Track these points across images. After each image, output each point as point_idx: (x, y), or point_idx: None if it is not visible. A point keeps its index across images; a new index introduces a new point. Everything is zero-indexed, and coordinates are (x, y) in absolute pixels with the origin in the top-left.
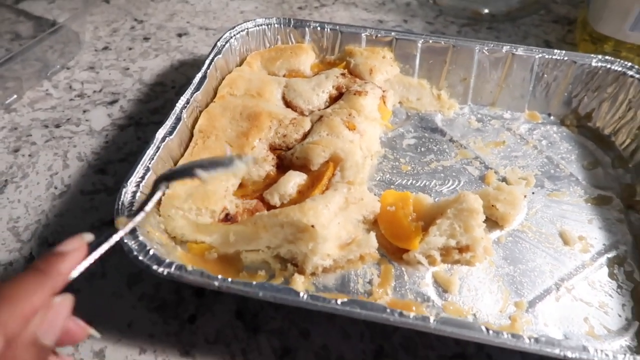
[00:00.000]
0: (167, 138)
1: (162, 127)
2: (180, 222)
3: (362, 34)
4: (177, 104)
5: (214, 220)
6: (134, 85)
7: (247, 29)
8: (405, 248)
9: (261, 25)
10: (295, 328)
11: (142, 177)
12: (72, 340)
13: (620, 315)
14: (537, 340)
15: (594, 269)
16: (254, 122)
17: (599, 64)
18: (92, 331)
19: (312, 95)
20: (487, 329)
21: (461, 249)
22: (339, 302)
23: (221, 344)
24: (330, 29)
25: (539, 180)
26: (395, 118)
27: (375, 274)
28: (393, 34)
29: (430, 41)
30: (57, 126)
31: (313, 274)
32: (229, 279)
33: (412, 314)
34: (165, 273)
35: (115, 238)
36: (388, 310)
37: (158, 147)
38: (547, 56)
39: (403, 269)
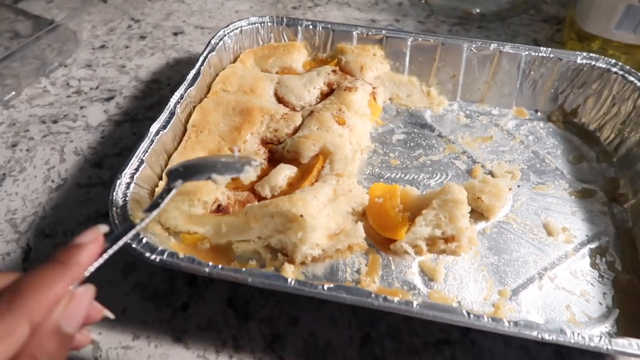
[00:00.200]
0: (161, 132)
1: (156, 122)
2: (173, 213)
3: (354, 32)
4: (171, 100)
5: (206, 212)
6: (130, 82)
7: (241, 27)
8: (392, 238)
9: (255, 23)
10: (284, 316)
11: (136, 169)
12: (88, 322)
13: (601, 303)
14: (516, 323)
15: (577, 259)
16: (246, 117)
17: (584, 61)
18: (107, 312)
19: (304, 92)
20: (469, 313)
21: (447, 239)
22: (325, 287)
23: (213, 330)
24: (322, 28)
25: (524, 174)
26: (385, 114)
27: (363, 263)
28: (384, 32)
29: (420, 39)
30: (55, 122)
31: (303, 263)
32: (220, 266)
33: (396, 299)
34: (157, 260)
35: (133, 232)
36: (373, 295)
37: (152, 141)
38: (533, 53)
39: (390, 258)
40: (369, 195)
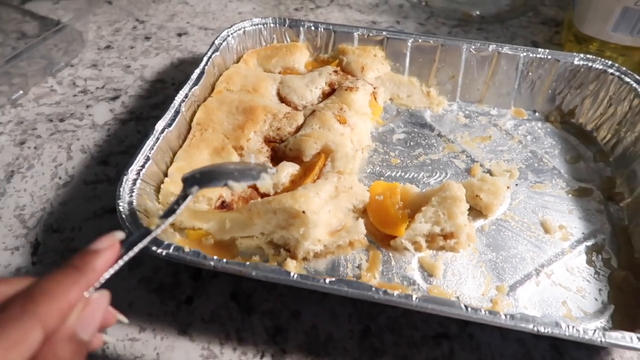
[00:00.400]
0: (167, 130)
1: (162, 120)
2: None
3: (355, 34)
4: (176, 98)
5: (211, 208)
6: (135, 82)
7: (244, 28)
8: (393, 235)
9: (258, 24)
10: (286, 309)
11: (143, 166)
12: (102, 327)
13: (596, 299)
14: (512, 316)
15: (573, 256)
16: (249, 116)
17: (581, 62)
18: (121, 317)
19: (306, 91)
20: (466, 306)
21: (445, 236)
22: (327, 281)
23: (216, 323)
24: (324, 29)
25: (522, 173)
26: (386, 114)
27: (364, 259)
28: (384, 33)
29: (420, 40)
30: (62, 120)
31: (305, 258)
32: (224, 260)
33: (395, 292)
34: (164, 254)
35: (149, 238)
36: (373, 288)
37: (157, 138)
38: (531, 55)
39: (390, 254)
40: (370, 192)
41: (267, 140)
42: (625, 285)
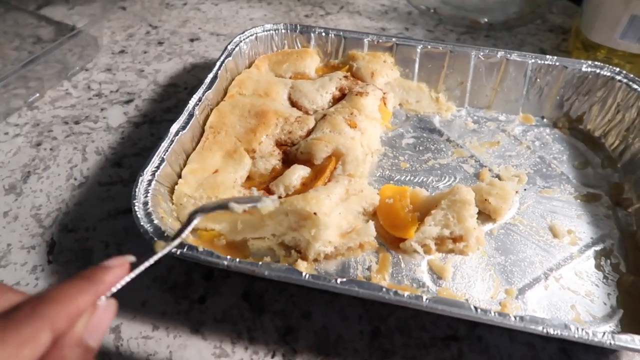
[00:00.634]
0: (181, 132)
1: (176, 122)
2: (191, 210)
3: (365, 40)
4: (190, 102)
5: None
6: (149, 86)
7: (256, 33)
8: (402, 237)
9: (269, 30)
10: (297, 310)
11: (157, 167)
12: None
13: (605, 304)
14: (522, 318)
15: (582, 261)
16: (261, 120)
17: (589, 69)
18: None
19: (317, 96)
20: (476, 308)
21: (455, 239)
22: (338, 281)
23: (228, 322)
24: (334, 35)
25: (531, 178)
26: (395, 119)
27: (374, 261)
28: (394, 39)
29: (429, 47)
30: (77, 123)
31: (315, 260)
32: (237, 259)
33: (406, 293)
34: (178, 253)
35: (154, 259)
36: (384, 289)
37: (172, 141)
38: (539, 61)
39: (400, 257)
40: (380, 195)
41: (279, 144)
42: (633, 290)
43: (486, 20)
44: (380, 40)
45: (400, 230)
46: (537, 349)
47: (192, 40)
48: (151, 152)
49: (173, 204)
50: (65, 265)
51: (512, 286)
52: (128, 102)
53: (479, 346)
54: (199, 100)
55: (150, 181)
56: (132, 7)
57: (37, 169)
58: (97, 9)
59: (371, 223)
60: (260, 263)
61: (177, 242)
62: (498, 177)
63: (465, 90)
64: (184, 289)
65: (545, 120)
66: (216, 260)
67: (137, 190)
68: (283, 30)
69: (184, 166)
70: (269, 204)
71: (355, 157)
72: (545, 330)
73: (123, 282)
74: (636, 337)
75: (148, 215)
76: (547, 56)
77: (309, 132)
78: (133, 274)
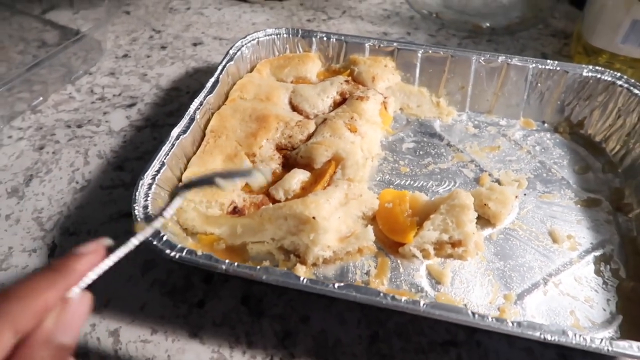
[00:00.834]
0: (182, 136)
1: (177, 127)
2: (191, 214)
3: (366, 44)
4: (191, 106)
5: (223, 213)
6: (151, 90)
7: (258, 38)
8: (401, 242)
9: (271, 35)
10: (295, 314)
11: (158, 171)
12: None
13: (605, 310)
14: (519, 324)
15: (581, 266)
16: (262, 124)
17: (590, 74)
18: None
19: (317, 100)
20: (474, 313)
21: (454, 244)
22: (336, 285)
23: (227, 326)
24: (335, 39)
25: (531, 183)
26: (396, 123)
27: (373, 265)
28: (395, 44)
29: (430, 51)
30: (79, 126)
31: (314, 264)
32: (235, 263)
33: (403, 298)
34: (177, 257)
35: (134, 242)
36: (381, 294)
37: (173, 145)
38: (540, 66)
39: (399, 261)
40: (379, 200)
41: (279, 148)
42: (633, 296)
43: (488, 24)
44: (382, 45)
45: (399, 235)
46: (535, 354)
47: (195, 44)
48: (153, 156)
49: None
50: None
51: (511, 291)
52: (131, 105)
53: (478, 352)
54: (200, 104)
55: (150, 185)
56: (136, 12)
57: (39, 172)
58: (102, 13)
59: (370, 227)
60: (258, 267)
61: (158, 223)
62: (498, 181)
63: (466, 94)
64: (183, 293)
65: (546, 125)
66: (214, 264)
67: (137, 194)
68: (285, 35)
69: (185, 170)
70: (259, 177)
71: (355, 161)
72: (542, 336)
73: (100, 271)
74: (634, 343)
75: (148, 218)
76: (548, 61)
77: (309, 137)
78: (110, 261)
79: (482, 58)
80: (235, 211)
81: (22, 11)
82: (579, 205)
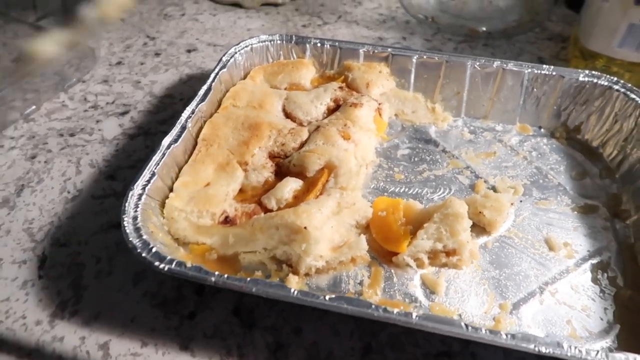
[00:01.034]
0: (173, 146)
1: (168, 135)
2: (182, 224)
3: (360, 50)
4: (183, 114)
5: (214, 223)
6: (145, 97)
7: (251, 45)
8: (395, 251)
9: (264, 41)
10: (288, 325)
11: (148, 181)
12: None
13: (602, 319)
14: (513, 336)
15: (578, 274)
16: (254, 132)
17: (586, 79)
18: None
19: (311, 107)
20: (467, 325)
21: (448, 253)
22: (327, 297)
23: (218, 338)
24: (329, 45)
25: (527, 189)
26: (390, 130)
27: (366, 275)
28: (389, 50)
29: (425, 57)
30: (72, 135)
31: (307, 274)
32: (225, 275)
33: (395, 310)
34: (166, 269)
35: None
36: (373, 306)
37: (164, 154)
38: (536, 71)
39: (392, 271)
40: (373, 208)
41: (272, 156)
42: (631, 304)
43: (485, 29)
44: (376, 51)
45: (392, 244)
46: None
47: (189, 51)
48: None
49: (164, 218)
50: (56, 281)
51: (506, 301)
52: (123, 113)
53: None
54: (192, 112)
55: (140, 195)
56: (130, 19)
57: (31, 182)
58: (96, 20)
59: (363, 237)
60: (248, 279)
61: None
62: (494, 188)
63: (462, 100)
64: (174, 304)
65: (542, 130)
66: (204, 277)
67: (126, 204)
68: (278, 41)
69: (176, 179)
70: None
71: (348, 169)
72: (537, 349)
73: None
74: (630, 355)
75: (137, 230)
76: (544, 65)
77: (302, 144)
78: None
79: (477, 63)
80: (227, 221)
81: (16, 19)
82: (575, 212)
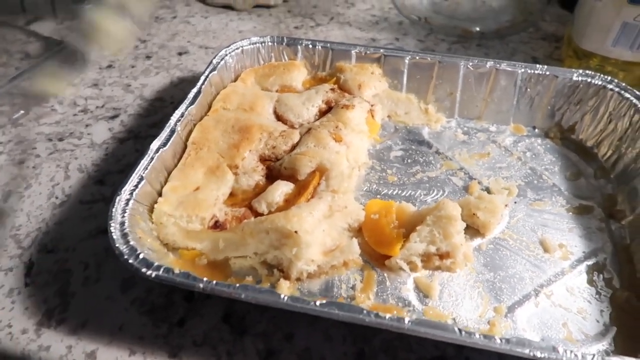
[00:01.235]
0: (161, 149)
1: (157, 139)
2: (171, 229)
3: (352, 51)
4: (172, 117)
5: (204, 228)
6: (135, 101)
7: (242, 47)
8: (388, 254)
9: (256, 43)
10: (279, 331)
11: (136, 186)
12: None
13: (598, 321)
14: (508, 340)
15: (573, 276)
16: (245, 135)
17: (580, 78)
18: None
19: (302, 109)
20: (460, 330)
21: (441, 255)
22: (317, 303)
23: (208, 346)
24: (321, 47)
25: (521, 190)
26: (383, 131)
27: (359, 279)
28: (382, 50)
29: (418, 57)
30: (61, 139)
31: (298, 279)
32: (214, 281)
33: (387, 315)
34: (153, 275)
35: None
36: (365, 311)
37: (152, 158)
38: (529, 71)
39: (385, 274)
40: (366, 211)
41: (263, 159)
42: (627, 306)
43: (478, 29)
44: (368, 52)
45: (385, 247)
46: None
47: (180, 53)
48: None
49: (153, 223)
50: (42, 288)
51: (501, 304)
52: (113, 117)
53: None
54: (182, 116)
55: (128, 200)
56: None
57: (18, 188)
58: (86, 23)
59: (355, 240)
60: (237, 285)
61: None
62: (488, 190)
63: (455, 100)
64: (163, 311)
65: (536, 130)
66: (192, 283)
67: (113, 210)
68: (270, 43)
69: (165, 184)
70: None
71: (340, 172)
72: (532, 354)
73: None
74: (626, 359)
75: (124, 235)
76: (537, 65)
77: (294, 147)
78: None
79: (470, 63)
80: (217, 225)
81: (5, 23)
82: (570, 213)
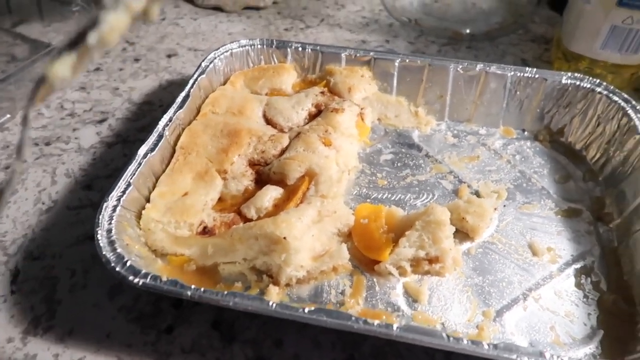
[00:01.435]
0: (149, 155)
1: (145, 144)
2: (159, 235)
3: (342, 54)
4: (160, 122)
5: (192, 233)
6: (123, 104)
7: (231, 49)
8: (377, 259)
9: (245, 46)
10: (269, 338)
11: (123, 192)
12: None
13: (585, 324)
14: (495, 346)
15: (561, 279)
16: (233, 139)
17: (569, 81)
18: None
19: (292, 113)
20: (448, 336)
21: (430, 260)
22: (306, 310)
23: (197, 353)
24: (311, 49)
25: (511, 194)
26: (373, 134)
27: (348, 284)
28: (372, 53)
29: (407, 60)
30: (47, 144)
31: (287, 285)
32: (202, 289)
33: (376, 322)
34: (140, 283)
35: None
36: (353, 318)
37: (140, 163)
38: (519, 74)
39: (375, 279)
40: (355, 215)
41: (252, 164)
42: (614, 309)
43: (468, 31)
44: (358, 55)
45: (374, 252)
46: None
47: (169, 56)
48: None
49: (140, 229)
50: (29, 295)
51: (489, 308)
52: (101, 121)
53: None
54: (170, 120)
55: (115, 207)
56: None
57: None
58: (73, 26)
59: (344, 246)
60: (225, 292)
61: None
62: (477, 193)
63: (445, 103)
64: (151, 319)
65: (526, 133)
66: (180, 291)
67: (100, 217)
68: (259, 46)
69: (153, 189)
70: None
71: (329, 177)
72: (519, 359)
73: None
74: None
75: (111, 243)
76: (527, 68)
77: (283, 151)
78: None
79: (460, 66)
80: (205, 231)
81: None
82: (559, 216)
